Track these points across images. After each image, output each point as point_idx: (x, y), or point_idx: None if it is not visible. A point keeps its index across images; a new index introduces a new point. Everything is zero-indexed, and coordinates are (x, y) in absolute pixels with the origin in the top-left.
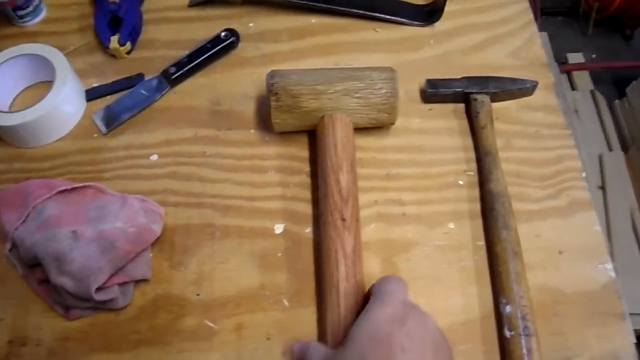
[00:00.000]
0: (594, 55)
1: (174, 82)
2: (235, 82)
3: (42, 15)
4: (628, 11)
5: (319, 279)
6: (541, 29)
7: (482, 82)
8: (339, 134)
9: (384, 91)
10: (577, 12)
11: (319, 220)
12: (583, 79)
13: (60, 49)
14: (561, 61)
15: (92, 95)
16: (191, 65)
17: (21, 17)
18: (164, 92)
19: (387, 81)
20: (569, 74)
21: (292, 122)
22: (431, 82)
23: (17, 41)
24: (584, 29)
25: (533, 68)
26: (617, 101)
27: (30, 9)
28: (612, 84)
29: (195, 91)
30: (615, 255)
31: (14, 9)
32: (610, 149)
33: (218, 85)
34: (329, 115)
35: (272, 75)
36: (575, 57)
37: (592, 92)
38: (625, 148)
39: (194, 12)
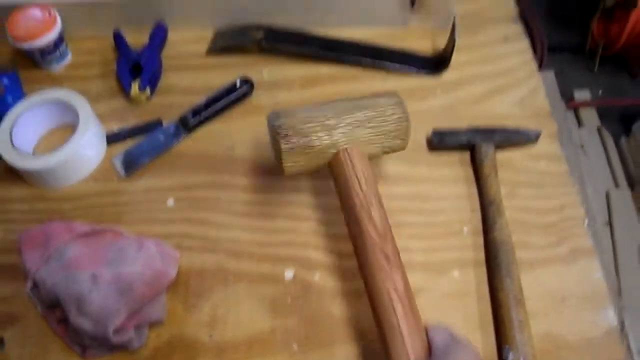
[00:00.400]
0: (600, 92)
1: (191, 129)
2: (249, 129)
3: (68, 60)
4: (633, 51)
5: (377, 326)
6: (548, 65)
7: (487, 132)
8: (359, 168)
9: (396, 117)
10: (583, 49)
11: (360, 263)
12: (590, 115)
13: (84, 93)
14: (568, 97)
15: (112, 139)
16: (207, 112)
17: (48, 61)
18: (181, 138)
19: (396, 106)
20: (575, 110)
21: (304, 164)
22: (437, 133)
23: (43, 85)
24: (591, 66)
25: (537, 118)
26: (623, 138)
27: (57, 54)
28: (618, 121)
29: (211, 137)
30: (623, 292)
31: (42, 54)
32: (617, 186)
33: (233, 132)
34: (343, 150)
35: (276, 115)
36: (582, 94)
37: (598, 129)
38: (632, 185)
39: (212, 60)
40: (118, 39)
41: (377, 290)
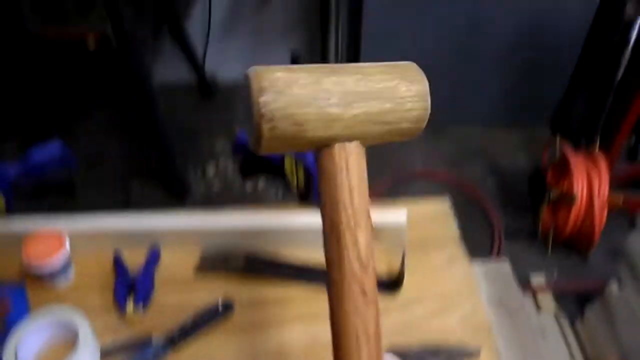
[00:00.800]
0: (555, 275)
1: (177, 346)
2: (229, 347)
3: (71, 279)
4: (579, 238)
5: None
6: (504, 252)
7: (433, 352)
8: (355, 174)
9: (415, 113)
10: (537, 234)
11: (330, 291)
12: (547, 299)
13: (83, 308)
14: (525, 282)
15: (106, 354)
16: (192, 330)
17: (54, 280)
18: (167, 353)
19: (418, 98)
20: (533, 294)
21: (284, 149)
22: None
23: (48, 299)
24: (544, 250)
25: (479, 333)
26: (578, 321)
27: (63, 274)
28: (574, 302)
29: (194, 353)
30: None
31: (50, 274)
32: None
33: (214, 348)
34: (340, 148)
35: (260, 85)
36: (538, 278)
37: (555, 314)
38: None
39: (199, 279)
40: (117, 261)
41: (344, 330)
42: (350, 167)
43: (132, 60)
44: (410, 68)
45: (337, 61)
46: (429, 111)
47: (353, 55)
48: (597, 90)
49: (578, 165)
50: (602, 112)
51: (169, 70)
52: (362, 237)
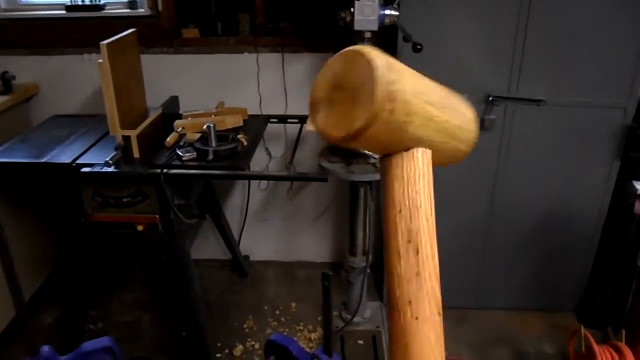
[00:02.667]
0: None
1: None
2: None
3: None
4: None
5: None
6: None
7: None
8: (432, 183)
9: (471, 136)
10: None
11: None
12: None
13: None
14: None
15: None
16: None
17: None
18: None
19: (475, 123)
20: None
21: (378, 142)
22: None
23: None
24: None
25: None
26: None
27: None
28: None
29: None
30: None
31: None
32: None
33: None
34: (423, 152)
35: (385, 61)
36: None
37: None
38: None
39: None
40: None
41: None
42: (430, 174)
43: (175, 244)
44: (459, 96)
45: (364, 247)
46: (475, 139)
47: (380, 239)
48: (619, 280)
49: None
50: (625, 302)
51: (207, 247)
52: (436, 252)
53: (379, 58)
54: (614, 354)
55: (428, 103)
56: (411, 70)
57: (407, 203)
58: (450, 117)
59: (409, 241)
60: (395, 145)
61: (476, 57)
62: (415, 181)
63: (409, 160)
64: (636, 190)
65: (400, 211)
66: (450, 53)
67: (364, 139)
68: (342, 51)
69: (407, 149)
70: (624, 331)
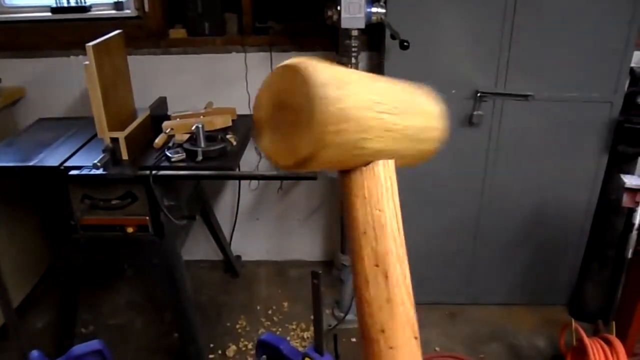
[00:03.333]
0: None
1: None
2: None
3: None
4: None
5: None
6: None
7: None
8: (396, 197)
9: (437, 133)
10: None
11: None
12: None
13: None
14: None
15: None
16: None
17: None
18: None
19: (441, 118)
20: None
21: (332, 163)
22: None
23: None
24: None
25: None
26: None
27: None
28: None
29: None
30: None
31: None
32: None
33: None
34: (385, 164)
35: (323, 78)
36: None
37: None
38: None
39: None
40: None
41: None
42: (394, 187)
43: (165, 246)
44: (424, 89)
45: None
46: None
47: None
48: (609, 273)
49: (596, 353)
50: (615, 295)
51: (198, 248)
52: (408, 273)
53: (318, 73)
54: (605, 346)
55: (384, 112)
56: (364, 76)
57: (371, 223)
58: (411, 122)
59: (377, 265)
60: (353, 162)
61: (463, 53)
62: (378, 198)
63: (369, 176)
64: (624, 183)
65: (365, 232)
66: (437, 50)
67: (316, 164)
68: (280, 65)
69: (366, 164)
70: (614, 323)
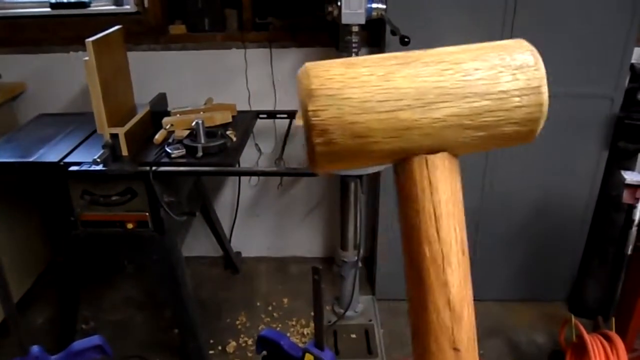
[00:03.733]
0: None
1: None
2: None
3: None
4: None
5: None
6: None
7: None
8: (442, 195)
9: (524, 112)
10: None
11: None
12: None
13: None
14: None
15: None
16: None
17: None
18: None
19: (530, 92)
20: None
21: (346, 165)
22: None
23: None
24: None
25: None
26: None
27: None
28: None
29: None
30: None
31: None
32: None
33: None
34: (421, 161)
35: (309, 88)
36: None
37: None
38: None
39: None
40: None
41: None
42: (436, 186)
43: (165, 242)
44: (519, 46)
45: (356, 241)
46: (547, 106)
47: (371, 233)
48: (609, 269)
49: (596, 349)
50: (615, 291)
51: (198, 245)
52: (453, 277)
53: (309, 80)
54: (605, 342)
55: (399, 109)
56: (376, 74)
57: (408, 224)
58: (456, 110)
59: (413, 269)
60: (377, 161)
61: None
62: (415, 198)
63: (405, 174)
64: (624, 179)
65: (405, 233)
66: (437, 45)
67: (325, 166)
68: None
69: (405, 159)
70: (613, 319)
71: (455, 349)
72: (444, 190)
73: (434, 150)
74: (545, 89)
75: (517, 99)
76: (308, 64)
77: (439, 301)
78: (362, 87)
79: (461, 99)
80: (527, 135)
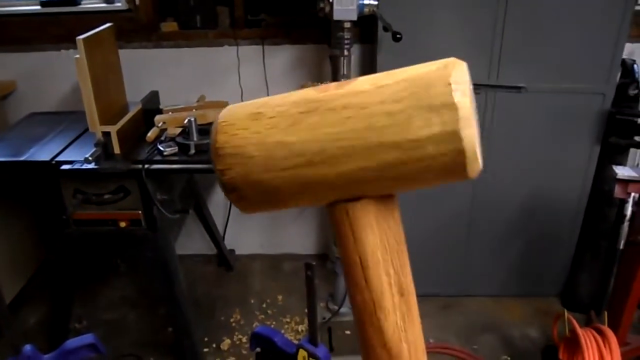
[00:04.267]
0: None
1: None
2: None
3: None
4: None
5: None
6: None
7: None
8: (367, 246)
9: (440, 161)
10: None
11: None
12: None
13: None
14: None
15: None
16: None
17: None
18: None
19: (445, 139)
20: None
21: (273, 210)
22: None
23: None
24: None
25: None
26: None
27: None
28: None
29: None
30: None
31: None
32: None
33: None
34: (342, 210)
35: (217, 146)
36: None
37: None
38: None
39: None
40: None
41: None
42: (359, 236)
43: (158, 240)
44: (442, 77)
45: None
46: (474, 151)
47: None
48: (601, 264)
49: (588, 343)
50: (607, 286)
51: (191, 243)
52: (388, 323)
53: (218, 136)
54: (597, 336)
55: (300, 167)
56: (281, 126)
57: (345, 272)
58: (361, 163)
59: (354, 313)
60: (313, 201)
61: (456, 45)
62: (344, 245)
63: (333, 220)
64: (615, 174)
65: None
66: (430, 42)
67: (248, 210)
68: None
69: (331, 205)
70: (606, 313)
71: None
72: (369, 240)
73: (352, 198)
74: (466, 133)
75: (431, 147)
76: (220, 117)
77: (376, 343)
78: (263, 144)
79: (365, 152)
80: (458, 178)
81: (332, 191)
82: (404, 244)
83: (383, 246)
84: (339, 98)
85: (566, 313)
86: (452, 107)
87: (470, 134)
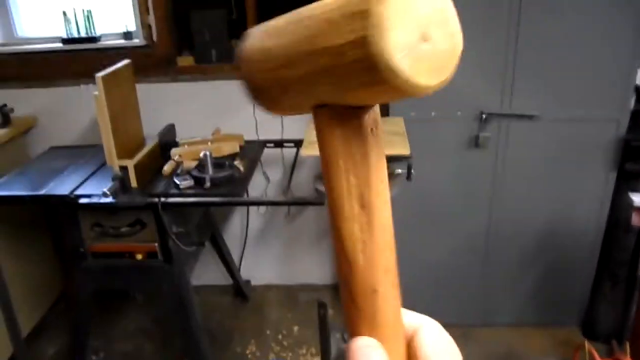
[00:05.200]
0: None
1: None
2: None
3: None
4: None
5: None
6: None
7: None
8: (331, 146)
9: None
10: None
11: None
12: None
13: None
14: None
15: None
16: None
17: None
18: None
19: (358, 44)
20: None
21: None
22: None
23: None
24: None
25: None
26: None
27: None
28: None
29: None
30: None
31: None
32: None
33: None
34: (314, 115)
35: (241, 48)
36: None
37: None
38: None
39: None
40: None
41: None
42: (322, 137)
43: (174, 273)
44: None
45: None
46: (384, 58)
47: None
48: (621, 292)
49: None
50: (628, 315)
51: (207, 273)
52: (345, 229)
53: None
54: None
55: (275, 69)
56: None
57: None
58: (307, 67)
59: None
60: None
61: (468, 74)
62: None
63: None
64: (632, 202)
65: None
66: None
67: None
68: None
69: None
70: (628, 344)
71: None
72: (331, 144)
73: (322, 105)
74: (380, 40)
75: (350, 53)
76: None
77: (337, 249)
78: (260, 49)
79: (307, 57)
80: (392, 92)
81: (302, 95)
82: (375, 165)
83: (345, 154)
84: (309, 9)
85: (587, 344)
86: (365, 13)
87: (386, 42)
